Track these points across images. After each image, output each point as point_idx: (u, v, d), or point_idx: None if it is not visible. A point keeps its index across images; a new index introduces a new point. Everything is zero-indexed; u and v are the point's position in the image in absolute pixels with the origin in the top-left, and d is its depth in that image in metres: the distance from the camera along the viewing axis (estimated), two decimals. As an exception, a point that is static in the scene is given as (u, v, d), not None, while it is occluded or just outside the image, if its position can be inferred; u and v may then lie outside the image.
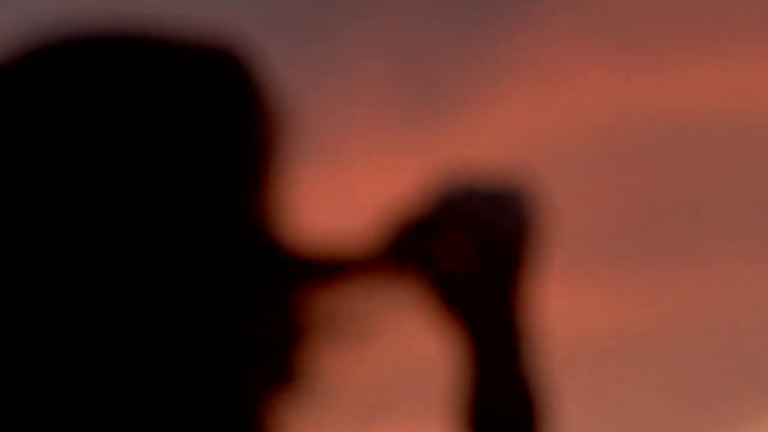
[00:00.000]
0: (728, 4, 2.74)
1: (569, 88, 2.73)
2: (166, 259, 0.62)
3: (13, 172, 0.64)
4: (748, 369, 2.83)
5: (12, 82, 0.66)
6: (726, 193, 2.82)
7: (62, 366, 0.63)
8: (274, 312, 0.65)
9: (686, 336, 2.84)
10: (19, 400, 0.63)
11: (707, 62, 2.82)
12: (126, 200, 0.64)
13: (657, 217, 2.83)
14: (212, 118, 0.66)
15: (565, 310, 2.83)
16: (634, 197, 2.83)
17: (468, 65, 2.71)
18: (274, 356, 0.65)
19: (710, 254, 2.85)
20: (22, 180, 0.64)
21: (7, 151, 0.65)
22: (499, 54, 2.72)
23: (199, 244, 0.63)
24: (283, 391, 0.65)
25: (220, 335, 0.63)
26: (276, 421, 0.65)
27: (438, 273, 0.71)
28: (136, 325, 0.62)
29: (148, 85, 0.66)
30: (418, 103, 2.75)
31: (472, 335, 0.72)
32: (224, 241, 0.65)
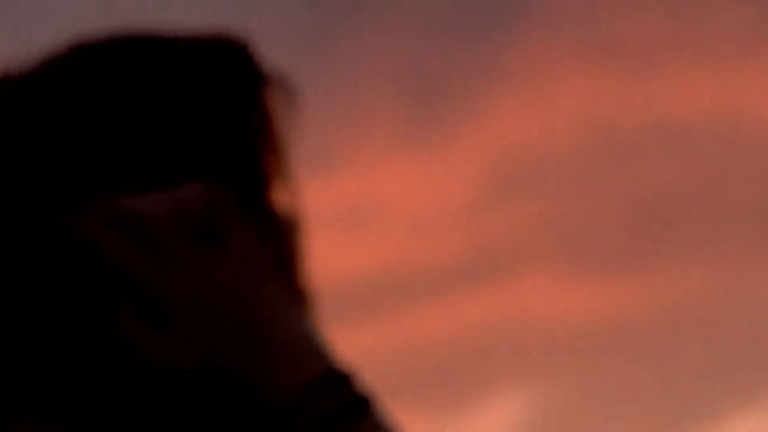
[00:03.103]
0: (710, 17, 2.77)
1: (564, 93, 2.76)
2: None
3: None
4: (726, 362, 2.84)
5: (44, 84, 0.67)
6: (711, 194, 2.84)
7: None
8: None
9: (669, 329, 2.85)
10: None
11: (690, 70, 2.85)
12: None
13: (645, 215, 2.85)
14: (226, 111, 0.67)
15: (557, 303, 2.86)
16: (624, 197, 2.85)
17: (467, 71, 2.74)
18: None
19: (694, 251, 2.87)
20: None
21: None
22: (497, 61, 2.75)
23: None
24: None
25: None
26: None
27: None
28: None
29: (160, 82, 0.66)
30: (421, 107, 2.78)
31: None
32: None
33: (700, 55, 2.81)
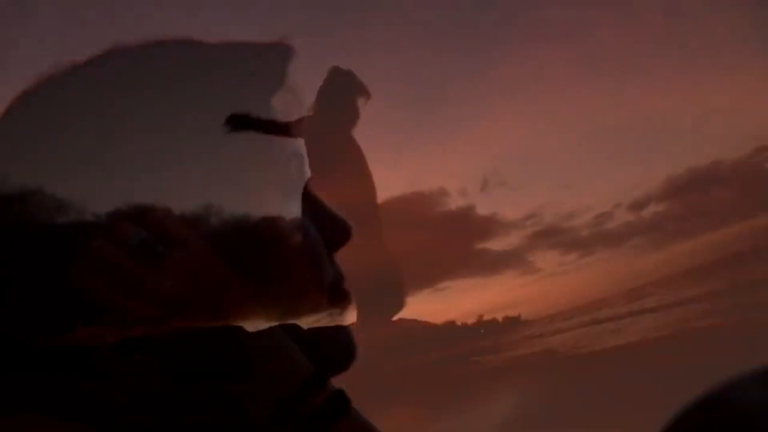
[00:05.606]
0: (693, 27, 2.81)
1: (556, 99, 2.79)
2: None
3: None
4: (720, 362, 2.87)
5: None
6: (697, 190, 2.87)
7: None
8: None
9: (662, 328, 2.87)
10: None
11: (675, 76, 2.89)
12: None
13: (637, 213, 2.88)
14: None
15: (550, 301, 2.88)
16: (617, 197, 2.89)
17: (465, 78, 2.78)
18: None
19: (683, 246, 2.90)
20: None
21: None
22: (493, 69, 2.78)
23: None
24: None
25: None
26: None
27: None
28: None
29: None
30: (419, 111, 2.81)
31: None
32: None
33: (684, 61, 2.85)
